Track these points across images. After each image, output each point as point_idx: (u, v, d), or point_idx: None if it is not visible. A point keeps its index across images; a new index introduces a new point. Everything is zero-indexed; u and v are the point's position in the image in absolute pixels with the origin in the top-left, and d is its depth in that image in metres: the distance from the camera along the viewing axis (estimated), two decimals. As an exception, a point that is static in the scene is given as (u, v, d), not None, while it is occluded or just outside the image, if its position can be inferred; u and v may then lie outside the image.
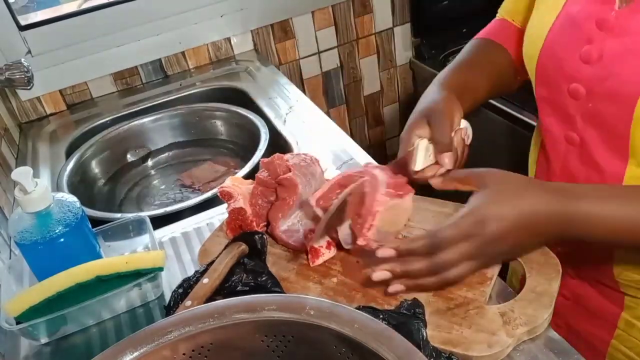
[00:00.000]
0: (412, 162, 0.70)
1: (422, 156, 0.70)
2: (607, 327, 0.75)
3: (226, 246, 0.72)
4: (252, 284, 0.68)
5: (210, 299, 0.66)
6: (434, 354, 0.55)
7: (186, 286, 0.68)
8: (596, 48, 0.62)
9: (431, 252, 0.60)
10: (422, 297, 0.63)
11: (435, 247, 0.60)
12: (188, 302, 0.64)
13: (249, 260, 0.70)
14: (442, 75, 0.80)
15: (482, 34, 0.86)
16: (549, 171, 0.75)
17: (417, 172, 0.70)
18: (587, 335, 0.77)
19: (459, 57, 0.83)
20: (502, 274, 0.67)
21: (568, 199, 0.59)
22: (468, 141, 0.73)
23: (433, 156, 0.71)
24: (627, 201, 0.59)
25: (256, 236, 0.71)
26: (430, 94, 0.75)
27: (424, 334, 0.55)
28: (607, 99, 0.62)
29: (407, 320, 0.56)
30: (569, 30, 0.65)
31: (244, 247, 0.71)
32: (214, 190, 0.98)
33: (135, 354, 0.46)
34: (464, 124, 0.73)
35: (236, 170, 1.14)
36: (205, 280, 0.67)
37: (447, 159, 0.69)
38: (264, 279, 0.68)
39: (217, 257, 0.70)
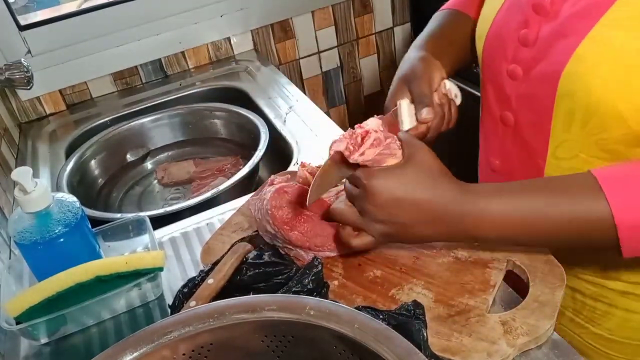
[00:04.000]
0: (400, 123, 0.71)
1: (407, 115, 0.71)
2: None
3: (232, 246, 0.72)
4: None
5: (216, 298, 0.66)
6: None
7: (191, 286, 0.68)
8: (533, 31, 0.65)
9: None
10: (422, 303, 0.62)
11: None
12: (192, 303, 0.64)
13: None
14: (417, 41, 0.81)
15: (448, 5, 0.87)
16: (487, 151, 0.78)
17: (405, 131, 0.70)
18: None
19: (430, 27, 0.85)
20: (507, 279, 0.67)
21: (468, 197, 0.58)
22: (458, 101, 0.74)
23: (414, 118, 0.71)
24: (519, 196, 0.57)
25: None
26: (408, 60, 0.76)
27: (425, 334, 0.55)
28: (539, 80, 0.64)
29: (408, 321, 0.56)
30: (512, 13, 0.68)
31: (249, 247, 0.71)
32: (214, 191, 0.98)
33: (135, 354, 0.46)
34: (449, 84, 0.74)
35: (234, 170, 1.15)
36: (210, 280, 0.67)
37: (425, 113, 0.69)
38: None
39: (222, 257, 0.70)
